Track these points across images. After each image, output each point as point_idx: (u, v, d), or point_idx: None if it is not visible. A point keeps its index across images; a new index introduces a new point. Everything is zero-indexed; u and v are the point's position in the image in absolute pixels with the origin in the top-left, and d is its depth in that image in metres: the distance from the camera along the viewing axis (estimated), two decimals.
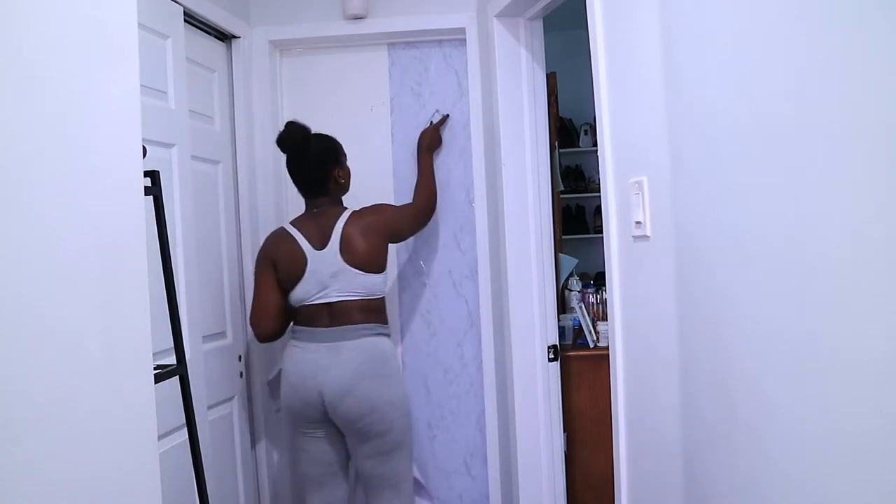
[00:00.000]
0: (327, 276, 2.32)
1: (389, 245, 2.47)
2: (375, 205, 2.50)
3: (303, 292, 2.36)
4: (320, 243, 2.35)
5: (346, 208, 2.43)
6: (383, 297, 2.44)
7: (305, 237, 2.37)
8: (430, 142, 2.77)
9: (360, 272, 2.33)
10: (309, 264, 2.35)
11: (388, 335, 2.41)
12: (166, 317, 1.82)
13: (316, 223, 2.39)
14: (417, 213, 2.58)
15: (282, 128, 2.50)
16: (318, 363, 2.29)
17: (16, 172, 0.91)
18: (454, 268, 2.93)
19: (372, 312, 2.36)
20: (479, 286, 2.86)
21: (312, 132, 2.44)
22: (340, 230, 2.34)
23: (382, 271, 2.40)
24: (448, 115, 2.86)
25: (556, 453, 2.65)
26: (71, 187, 1.02)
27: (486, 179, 2.79)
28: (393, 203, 2.79)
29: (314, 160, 2.41)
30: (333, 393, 2.24)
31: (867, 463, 0.98)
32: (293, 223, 2.44)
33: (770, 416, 1.18)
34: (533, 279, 2.61)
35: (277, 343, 2.72)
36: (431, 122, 2.85)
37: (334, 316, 2.33)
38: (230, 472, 2.58)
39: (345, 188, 2.50)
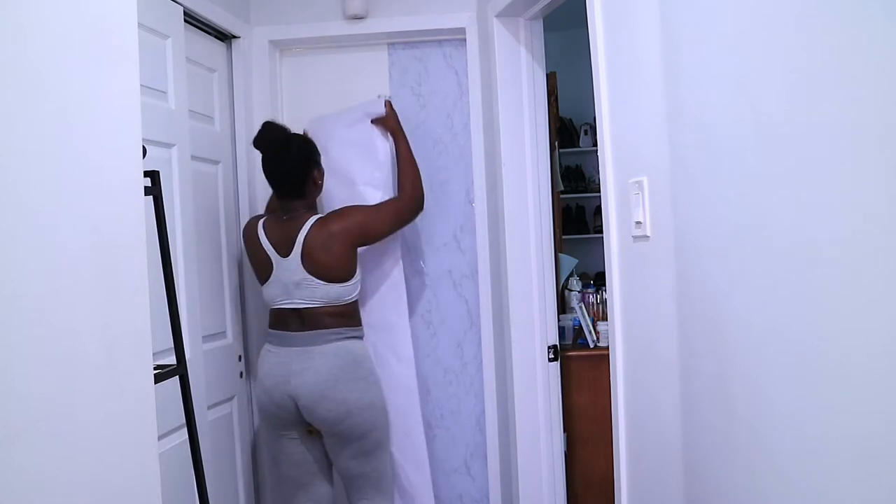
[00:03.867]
0: (291, 284, 2.29)
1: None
2: (343, 209, 2.37)
3: (269, 294, 2.36)
4: (285, 251, 2.31)
5: (314, 213, 2.35)
6: (354, 301, 2.38)
7: (271, 243, 2.33)
8: (397, 122, 2.58)
9: (323, 282, 2.28)
10: (274, 270, 2.33)
11: (359, 337, 2.37)
12: (166, 317, 1.81)
13: (283, 230, 2.33)
14: (401, 210, 2.43)
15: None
16: (290, 367, 2.25)
17: (15, 172, 0.91)
18: (454, 268, 2.93)
19: (342, 317, 2.31)
20: (479, 286, 2.86)
21: (290, 132, 2.37)
22: (303, 239, 2.28)
23: (349, 279, 2.32)
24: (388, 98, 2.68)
25: (556, 453, 2.65)
26: (71, 187, 1.02)
27: (486, 179, 2.79)
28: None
29: (295, 164, 2.31)
30: (308, 398, 2.21)
31: (867, 463, 0.98)
32: (263, 225, 2.38)
33: (770, 416, 1.18)
34: (533, 279, 2.61)
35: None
36: (385, 100, 2.63)
37: (304, 320, 2.29)
38: (230, 472, 2.58)
39: (320, 189, 2.43)
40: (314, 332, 2.26)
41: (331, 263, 2.27)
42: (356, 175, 2.59)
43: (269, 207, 2.62)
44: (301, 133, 2.39)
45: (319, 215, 2.32)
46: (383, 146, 2.61)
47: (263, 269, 2.37)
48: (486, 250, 2.81)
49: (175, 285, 1.85)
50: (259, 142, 2.33)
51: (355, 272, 2.33)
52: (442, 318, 2.94)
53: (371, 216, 2.36)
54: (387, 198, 2.54)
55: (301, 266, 2.27)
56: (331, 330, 2.27)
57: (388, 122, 2.58)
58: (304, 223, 2.29)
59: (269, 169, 2.34)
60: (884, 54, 0.92)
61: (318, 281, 2.27)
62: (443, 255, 2.93)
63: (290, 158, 2.30)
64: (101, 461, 1.06)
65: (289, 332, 2.29)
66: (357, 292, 2.37)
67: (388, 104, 2.60)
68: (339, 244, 2.27)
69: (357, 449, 2.28)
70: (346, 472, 2.34)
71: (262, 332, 2.80)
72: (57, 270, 0.98)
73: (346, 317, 2.32)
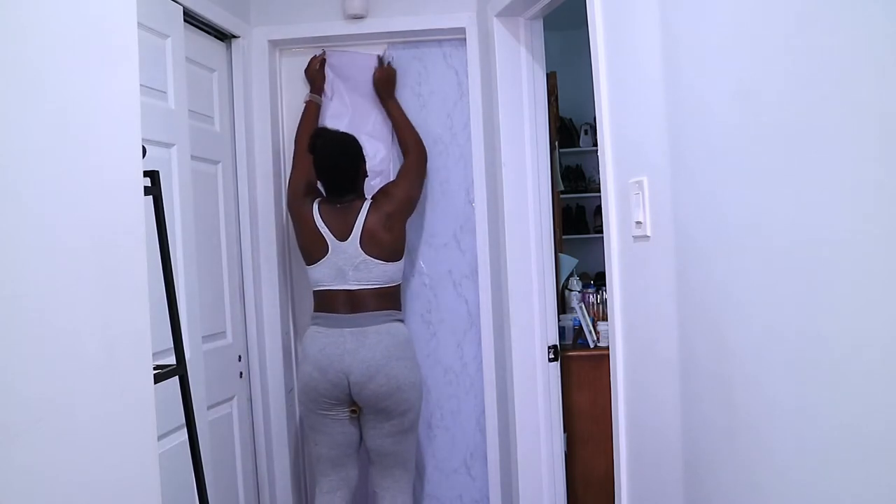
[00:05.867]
0: (349, 266, 2.48)
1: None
2: (384, 190, 2.60)
3: (319, 275, 2.52)
4: (342, 235, 2.49)
5: (365, 199, 2.55)
6: (399, 284, 2.60)
7: (328, 228, 2.50)
8: (389, 85, 2.81)
9: (383, 262, 2.49)
10: (329, 253, 2.50)
11: (403, 321, 2.62)
12: (166, 317, 1.81)
13: (339, 217, 2.52)
14: (420, 171, 2.69)
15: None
16: (343, 347, 2.42)
17: (15, 172, 0.91)
18: (454, 268, 2.93)
19: (389, 299, 2.52)
20: (479, 286, 2.85)
21: (341, 135, 2.57)
22: (363, 223, 2.48)
23: (401, 258, 2.56)
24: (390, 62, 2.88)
25: (556, 453, 2.65)
26: (71, 187, 1.02)
27: (486, 179, 2.78)
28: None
29: (351, 165, 2.51)
30: (362, 374, 2.38)
31: (867, 462, 0.98)
32: (319, 210, 2.54)
33: (770, 415, 1.18)
34: (533, 279, 2.61)
35: (277, 346, 2.72)
36: (387, 63, 2.86)
37: (355, 303, 2.47)
38: (230, 472, 2.58)
39: (366, 177, 2.64)
40: (365, 313, 2.45)
41: (391, 242, 2.50)
42: (361, 126, 2.83)
43: (300, 192, 2.66)
44: (345, 133, 2.61)
45: (370, 200, 2.54)
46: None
47: (316, 251, 2.52)
48: (486, 250, 2.81)
49: (175, 285, 1.85)
50: (315, 148, 2.51)
51: (404, 251, 2.58)
52: (442, 318, 2.93)
53: (407, 188, 2.61)
54: (385, 150, 2.84)
55: (360, 248, 2.47)
56: (381, 312, 2.46)
57: (377, 85, 2.81)
58: (359, 209, 2.50)
59: (325, 171, 2.53)
60: (884, 54, 0.92)
61: (377, 261, 2.47)
62: (443, 255, 2.93)
63: (345, 161, 2.51)
64: (101, 461, 1.06)
65: (339, 314, 2.46)
66: (402, 274, 2.62)
67: (381, 67, 2.82)
68: (397, 222, 2.53)
69: (395, 426, 2.44)
70: (379, 450, 2.49)
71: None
72: (57, 270, 0.98)
73: (393, 300, 2.54)
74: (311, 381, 2.45)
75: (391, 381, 2.40)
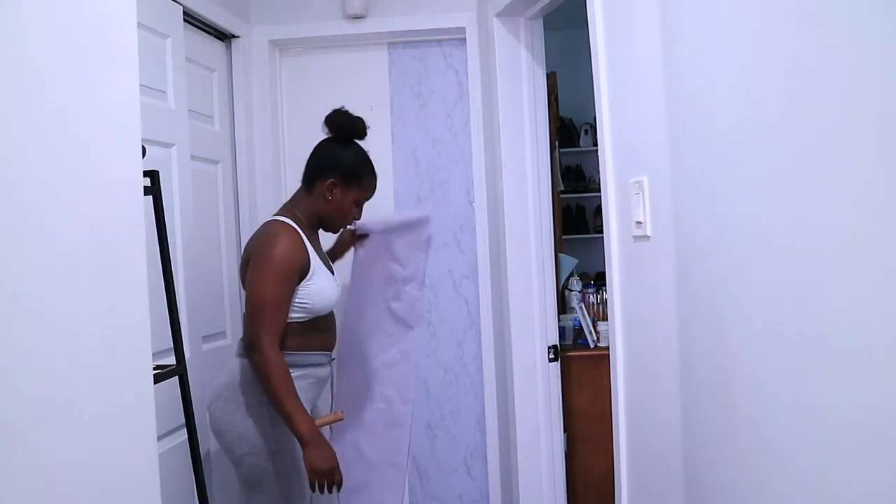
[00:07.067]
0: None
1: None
2: (259, 247, 1.94)
3: None
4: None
5: (276, 218, 2.00)
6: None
7: None
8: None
9: (242, 284, 2.02)
10: None
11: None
12: (166, 317, 1.81)
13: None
14: (255, 314, 1.89)
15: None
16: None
17: (16, 172, 0.91)
18: (454, 268, 2.93)
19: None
20: (479, 286, 2.86)
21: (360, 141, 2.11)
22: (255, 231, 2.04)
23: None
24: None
25: (556, 453, 2.65)
26: (70, 187, 1.01)
27: (486, 179, 2.79)
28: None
29: (322, 154, 2.06)
30: (207, 403, 2.07)
31: (868, 460, 0.98)
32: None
33: (771, 415, 1.18)
34: (533, 279, 2.61)
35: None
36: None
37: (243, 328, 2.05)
38: (230, 472, 2.57)
39: (327, 211, 2.03)
40: (239, 340, 2.04)
41: (244, 266, 2.01)
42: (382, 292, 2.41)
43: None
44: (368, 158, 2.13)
45: (273, 220, 2.00)
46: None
47: None
48: (486, 250, 2.81)
49: (175, 285, 1.85)
50: (340, 127, 2.07)
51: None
52: (442, 318, 2.94)
53: (252, 280, 1.92)
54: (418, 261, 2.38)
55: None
56: (241, 341, 2.02)
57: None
58: (267, 218, 2.04)
59: (320, 145, 2.10)
60: (884, 52, 0.92)
61: (241, 278, 2.04)
62: (443, 255, 2.93)
63: (325, 147, 2.08)
64: (101, 461, 1.06)
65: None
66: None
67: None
68: (245, 261, 2.00)
69: (238, 477, 2.01)
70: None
71: None
72: (57, 270, 0.98)
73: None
74: None
75: (213, 424, 2.00)
